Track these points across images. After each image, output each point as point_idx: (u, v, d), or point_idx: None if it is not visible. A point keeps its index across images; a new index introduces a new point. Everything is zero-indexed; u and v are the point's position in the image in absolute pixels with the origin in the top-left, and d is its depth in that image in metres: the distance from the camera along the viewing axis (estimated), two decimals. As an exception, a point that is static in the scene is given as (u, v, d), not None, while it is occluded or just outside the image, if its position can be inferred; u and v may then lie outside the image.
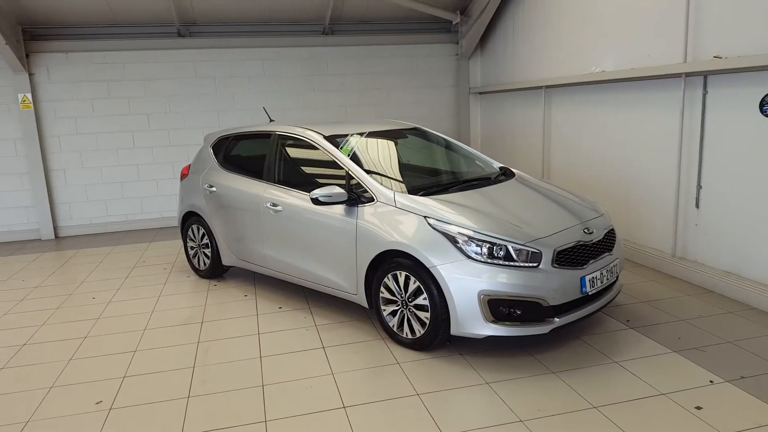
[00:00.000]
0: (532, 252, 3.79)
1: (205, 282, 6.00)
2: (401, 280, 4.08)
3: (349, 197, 4.39)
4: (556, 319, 3.81)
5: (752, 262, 4.81)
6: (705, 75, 5.07)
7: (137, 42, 8.43)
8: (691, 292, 5.08)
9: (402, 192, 4.31)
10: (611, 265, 4.17)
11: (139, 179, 8.82)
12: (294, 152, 5.21)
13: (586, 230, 4.12)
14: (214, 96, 8.89)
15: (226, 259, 5.76)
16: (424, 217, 4.02)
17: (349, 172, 4.54)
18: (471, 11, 9.05)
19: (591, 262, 4.02)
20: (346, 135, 5.01)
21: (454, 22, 9.34)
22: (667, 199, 5.63)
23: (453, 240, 3.85)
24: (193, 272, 6.30)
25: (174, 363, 4.15)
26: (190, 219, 6.11)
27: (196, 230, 6.04)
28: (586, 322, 4.47)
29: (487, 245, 3.79)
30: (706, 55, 5.00)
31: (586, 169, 6.89)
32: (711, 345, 4.04)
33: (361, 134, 5.10)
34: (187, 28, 8.66)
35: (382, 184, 4.39)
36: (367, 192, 4.40)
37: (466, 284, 3.73)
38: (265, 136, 5.44)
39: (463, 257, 3.78)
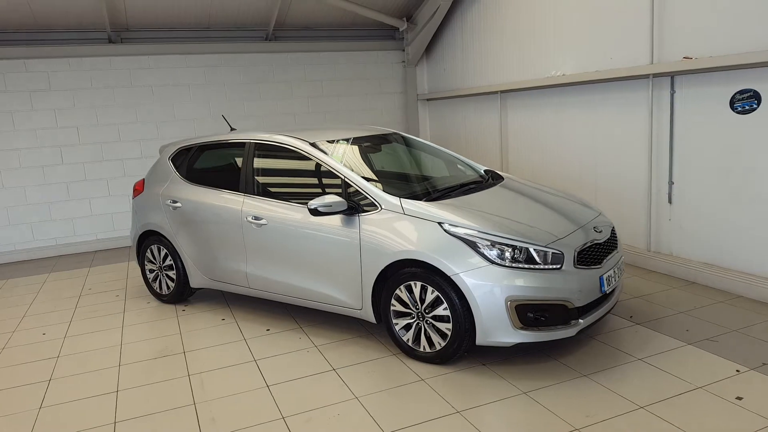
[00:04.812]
0: (554, 253, 3.68)
1: (170, 307, 5.47)
2: (416, 290, 3.85)
3: (348, 206, 4.12)
4: (581, 321, 3.73)
5: (731, 253, 4.97)
6: (672, 75, 5.22)
7: (63, 49, 7.67)
8: (676, 284, 5.19)
9: (407, 198, 4.09)
10: (619, 262, 4.16)
11: (69, 198, 8.01)
12: (275, 162, 4.85)
13: (595, 229, 4.09)
14: (152, 106, 8.25)
15: (196, 281, 5.28)
16: (439, 222, 3.82)
17: (347, 180, 4.26)
18: (417, 19, 8.98)
19: (605, 260, 3.98)
20: (333, 141, 4.73)
21: (400, 29, 9.23)
22: (639, 196, 5.76)
23: (473, 245, 3.67)
24: (153, 298, 5.73)
25: (170, 401, 3.68)
26: (148, 239, 5.57)
27: (156, 251, 5.51)
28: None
29: (509, 249, 3.65)
30: (674, 56, 5.15)
31: (548, 172, 6.96)
32: (719, 335, 4.10)
33: (346, 140, 4.84)
34: (118, 35, 8.00)
35: (384, 191, 4.15)
36: (367, 199, 4.14)
37: (493, 291, 3.56)
38: (238, 145, 5.04)
39: (486, 263, 3.61)
